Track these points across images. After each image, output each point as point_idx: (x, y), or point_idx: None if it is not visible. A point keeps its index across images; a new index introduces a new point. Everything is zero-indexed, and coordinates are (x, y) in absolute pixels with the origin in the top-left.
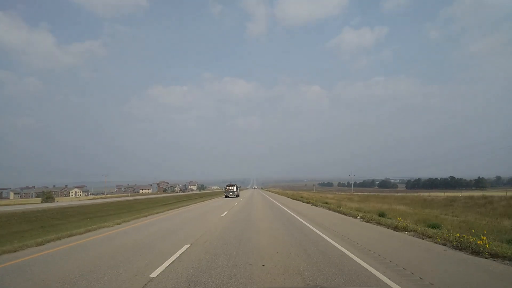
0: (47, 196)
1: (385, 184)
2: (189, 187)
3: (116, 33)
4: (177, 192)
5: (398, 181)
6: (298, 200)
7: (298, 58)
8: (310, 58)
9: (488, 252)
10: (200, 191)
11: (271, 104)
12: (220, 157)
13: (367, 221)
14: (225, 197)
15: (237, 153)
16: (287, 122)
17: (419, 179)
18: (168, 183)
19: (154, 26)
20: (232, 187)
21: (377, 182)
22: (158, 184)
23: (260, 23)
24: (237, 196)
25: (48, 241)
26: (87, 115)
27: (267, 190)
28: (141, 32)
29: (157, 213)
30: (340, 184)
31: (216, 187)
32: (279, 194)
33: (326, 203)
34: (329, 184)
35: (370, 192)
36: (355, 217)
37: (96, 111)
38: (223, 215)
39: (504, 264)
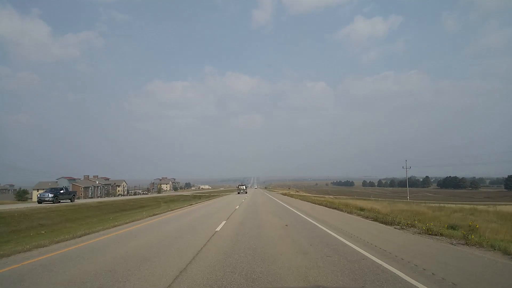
0: None
1: (451, 183)
2: (159, 186)
3: (112, 20)
4: (116, 196)
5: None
6: None
7: (305, 51)
8: (317, 51)
9: None
10: (159, 193)
11: (274, 100)
12: (220, 155)
13: None
14: (238, 193)
15: (237, 151)
16: (290, 119)
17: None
18: (109, 179)
19: (152, 14)
20: (242, 186)
21: (433, 180)
22: (74, 181)
23: (265, 10)
24: (245, 193)
25: None
26: (82, 110)
27: (273, 191)
28: (140, 21)
29: None
30: (366, 184)
31: (207, 187)
32: (325, 206)
33: None
34: (348, 184)
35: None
36: None
37: (91, 106)
38: None
39: None
